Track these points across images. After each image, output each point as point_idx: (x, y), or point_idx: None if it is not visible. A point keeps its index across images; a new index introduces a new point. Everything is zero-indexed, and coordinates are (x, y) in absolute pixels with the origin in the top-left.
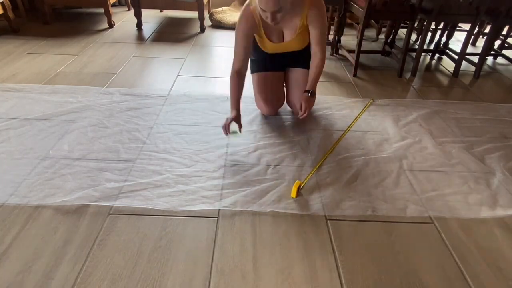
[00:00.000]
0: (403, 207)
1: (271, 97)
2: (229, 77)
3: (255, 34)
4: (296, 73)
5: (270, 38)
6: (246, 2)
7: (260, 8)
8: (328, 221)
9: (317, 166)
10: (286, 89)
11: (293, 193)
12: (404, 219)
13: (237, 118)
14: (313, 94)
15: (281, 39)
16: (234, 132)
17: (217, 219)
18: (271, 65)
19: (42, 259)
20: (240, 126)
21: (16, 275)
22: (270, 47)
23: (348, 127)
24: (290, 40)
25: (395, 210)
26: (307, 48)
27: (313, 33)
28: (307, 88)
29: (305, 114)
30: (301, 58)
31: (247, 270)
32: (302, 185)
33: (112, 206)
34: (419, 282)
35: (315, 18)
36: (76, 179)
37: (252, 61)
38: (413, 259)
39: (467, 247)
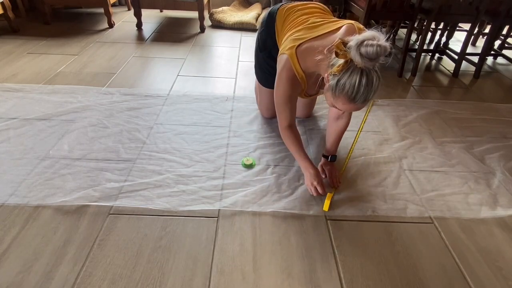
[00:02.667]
0: (403, 207)
1: (272, 107)
2: (281, 133)
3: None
4: None
5: (307, 93)
6: (285, 62)
7: (335, 107)
8: (328, 221)
9: (343, 169)
10: None
11: (326, 207)
12: (404, 219)
13: (319, 174)
14: (334, 158)
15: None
16: (251, 165)
17: (217, 219)
18: None
19: (42, 259)
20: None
21: (16, 275)
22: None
23: (359, 129)
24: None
25: (395, 210)
26: None
27: None
28: (328, 153)
29: (339, 183)
30: None
31: (247, 270)
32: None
33: (112, 206)
34: (419, 282)
35: None
36: (76, 179)
37: (264, 74)
38: (413, 259)
39: (467, 247)
